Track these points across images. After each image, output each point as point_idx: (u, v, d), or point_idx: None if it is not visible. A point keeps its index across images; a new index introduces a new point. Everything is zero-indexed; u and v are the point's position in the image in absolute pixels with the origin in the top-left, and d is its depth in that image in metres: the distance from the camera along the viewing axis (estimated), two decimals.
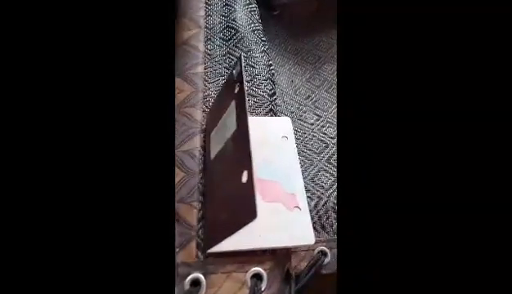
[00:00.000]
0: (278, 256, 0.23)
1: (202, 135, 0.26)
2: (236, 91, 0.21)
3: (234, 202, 0.18)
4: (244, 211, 0.15)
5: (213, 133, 0.24)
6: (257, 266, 0.22)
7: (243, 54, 0.31)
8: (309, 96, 0.41)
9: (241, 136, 0.18)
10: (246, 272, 0.21)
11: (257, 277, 0.21)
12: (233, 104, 0.21)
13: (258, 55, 0.32)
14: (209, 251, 0.21)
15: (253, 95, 0.29)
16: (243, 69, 0.20)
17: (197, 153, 0.25)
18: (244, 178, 0.16)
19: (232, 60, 0.31)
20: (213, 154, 0.24)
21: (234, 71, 0.21)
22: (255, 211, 0.14)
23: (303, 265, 0.27)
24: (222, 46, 0.32)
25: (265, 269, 0.22)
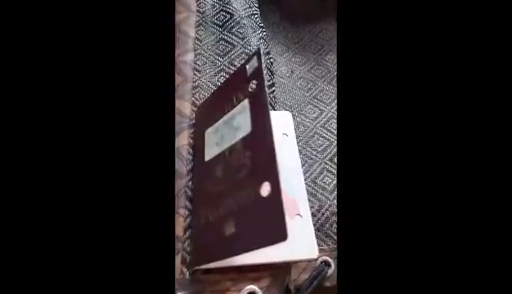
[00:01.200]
0: (276, 272, 0.20)
1: (190, 131, 0.23)
2: (252, 89, 0.19)
3: (247, 217, 0.16)
4: (266, 230, 0.14)
5: (209, 131, 0.22)
6: (252, 284, 0.19)
7: (239, 41, 0.28)
8: (311, 88, 0.38)
9: (259, 142, 0.17)
10: (240, 291, 0.19)
11: None
12: (246, 102, 0.19)
13: (254, 42, 0.29)
14: (198, 267, 0.18)
15: None
16: (261, 65, 0.18)
17: (184, 151, 0.22)
18: (265, 191, 0.15)
19: (226, 47, 0.28)
20: (208, 156, 0.21)
21: (247, 66, 0.19)
22: (285, 232, 0.13)
23: (304, 277, 0.24)
24: (214, 32, 0.29)
25: (261, 288, 0.19)
